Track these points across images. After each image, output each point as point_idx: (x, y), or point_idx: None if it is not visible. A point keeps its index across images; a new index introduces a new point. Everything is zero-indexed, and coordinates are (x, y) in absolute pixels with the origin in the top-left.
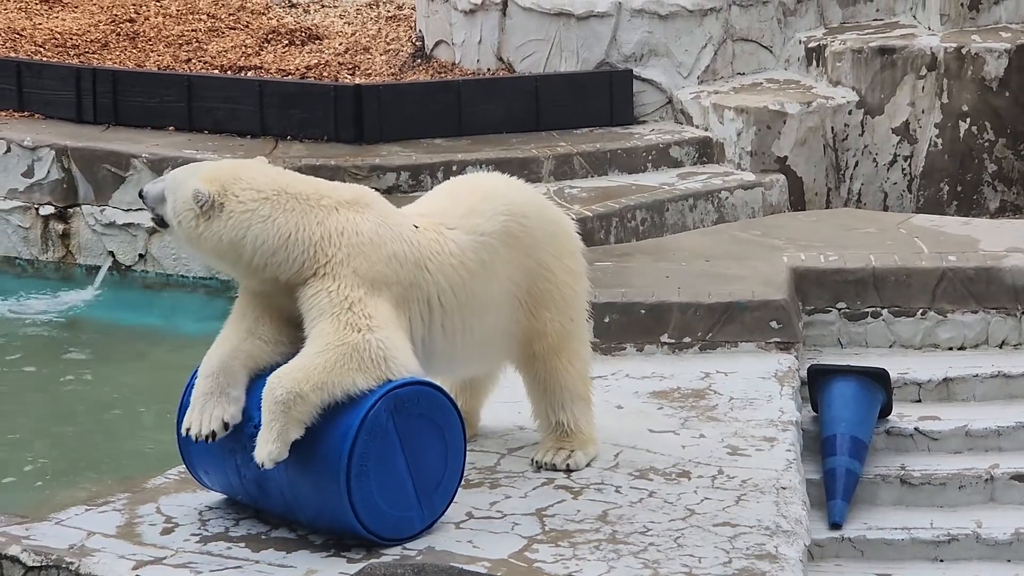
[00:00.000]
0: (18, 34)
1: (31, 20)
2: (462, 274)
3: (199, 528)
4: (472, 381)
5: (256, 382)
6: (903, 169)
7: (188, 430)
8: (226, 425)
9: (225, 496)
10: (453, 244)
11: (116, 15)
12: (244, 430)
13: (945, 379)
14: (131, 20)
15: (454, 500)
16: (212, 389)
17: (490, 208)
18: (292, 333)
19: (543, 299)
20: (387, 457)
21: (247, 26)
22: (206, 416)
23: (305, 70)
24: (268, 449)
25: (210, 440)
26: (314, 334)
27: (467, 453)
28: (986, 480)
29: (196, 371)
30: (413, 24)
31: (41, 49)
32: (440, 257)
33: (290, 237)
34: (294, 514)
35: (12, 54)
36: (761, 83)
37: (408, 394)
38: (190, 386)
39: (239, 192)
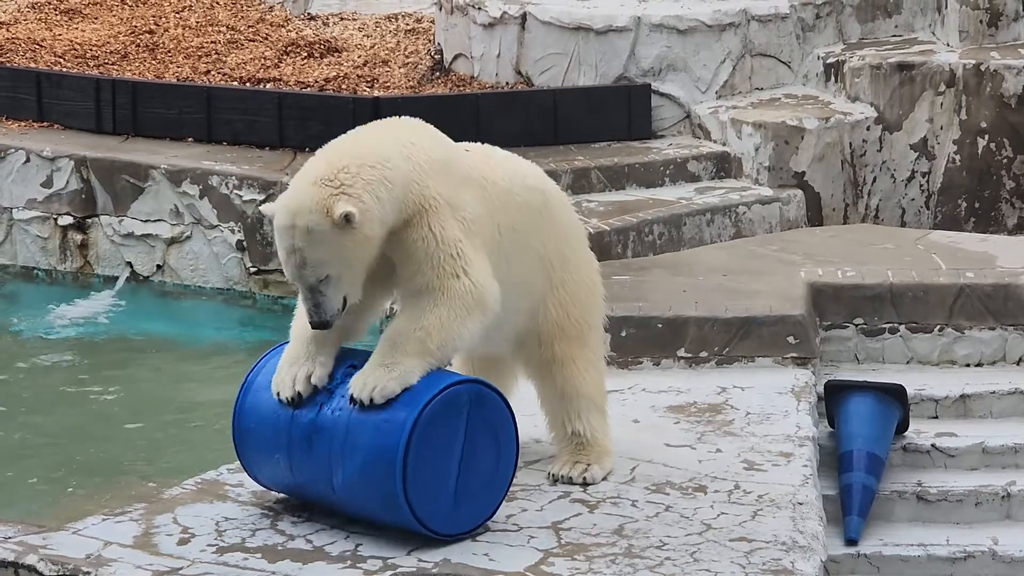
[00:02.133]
0: (38, 45)
1: (51, 31)
2: (509, 200)
3: (216, 539)
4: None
5: (338, 367)
6: (921, 185)
7: (278, 393)
8: (313, 387)
9: (242, 506)
10: (502, 170)
11: (136, 26)
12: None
13: (962, 396)
14: (151, 32)
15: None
16: (300, 353)
17: (523, 172)
18: (376, 292)
19: (565, 288)
20: (444, 444)
21: (266, 38)
22: (291, 378)
23: (324, 82)
24: (383, 383)
25: (295, 403)
26: (419, 284)
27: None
28: (1003, 497)
29: (261, 360)
30: (432, 37)
31: (61, 60)
32: (493, 182)
33: (404, 195)
34: (338, 492)
35: (32, 65)
36: (779, 98)
37: (486, 394)
38: (253, 373)
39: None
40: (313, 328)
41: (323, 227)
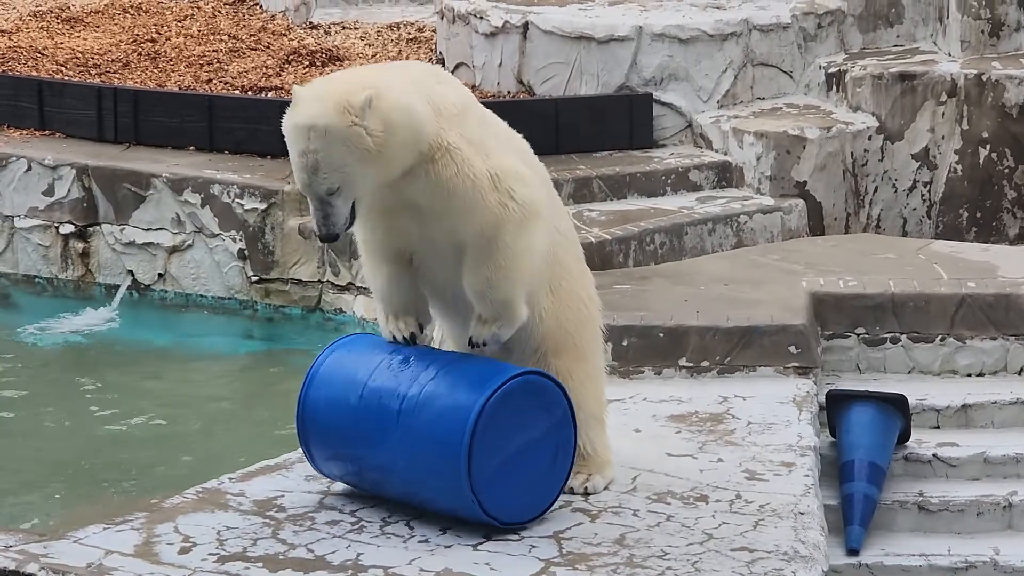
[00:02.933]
0: (40, 53)
1: (53, 39)
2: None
3: (217, 548)
4: None
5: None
6: (922, 195)
7: (393, 337)
8: (421, 327)
9: (243, 515)
10: (504, 126)
11: (138, 35)
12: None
13: (964, 406)
14: (152, 40)
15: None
16: (396, 307)
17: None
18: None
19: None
20: (517, 425)
21: (268, 47)
22: (401, 323)
23: None
24: (488, 334)
25: (412, 342)
26: (476, 225)
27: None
28: (1004, 507)
29: (328, 349)
30: (434, 46)
31: (63, 68)
32: (499, 126)
33: (420, 133)
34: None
35: (34, 73)
36: (781, 108)
37: (560, 400)
38: (319, 361)
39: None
40: (321, 241)
41: (340, 126)
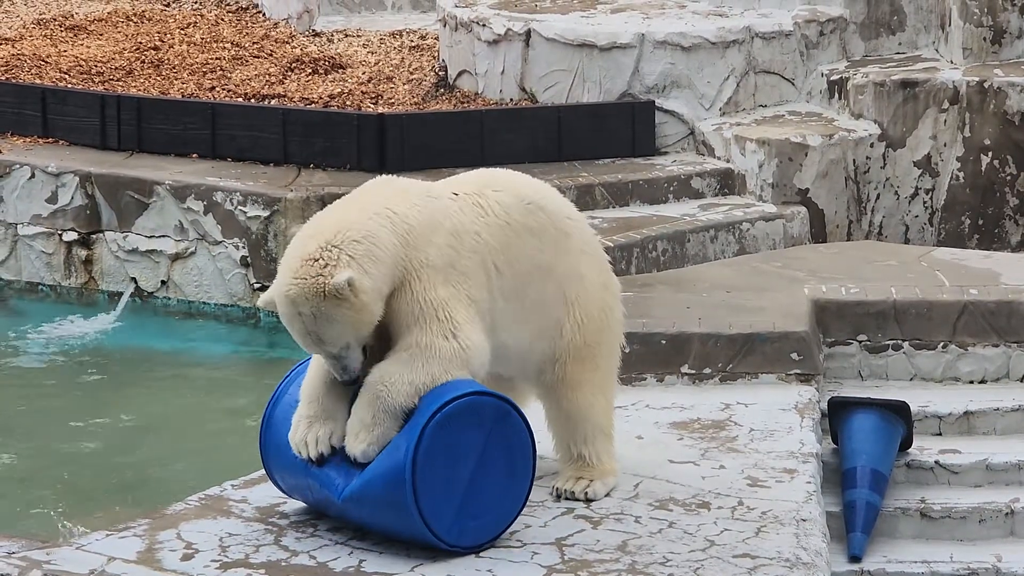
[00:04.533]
0: (43, 61)
1: (56, 47)
2: (508, 234)
3: (219, 555)
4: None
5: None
6: (924, 202)
7: (298, 451)
8: (333, 448)
9: (246, 522)
10: (498, 205)
11: (141, 43)
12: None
13: (966, 412)
14: (156, 48)
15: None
16: (317, 413)
17: (533, 193)
18: (379, 347)
19: (579, 304)
20: (459, 451)
21: (271, 55)
22: (312, 437)
23: (328, 99)
24: (363, 448)
25: (319, 461)
26: (409, 343)
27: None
28: (1006, 514)
29: (286, 379)
30: (436, 54)
31: (66, 76)
32: (487, 218)
33: (392, 267)
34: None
35: (37, 81)
36: (783, 115)
37: (509, 413)
38: (278, 394)
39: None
40: (345, 386)
41: (326, 306)
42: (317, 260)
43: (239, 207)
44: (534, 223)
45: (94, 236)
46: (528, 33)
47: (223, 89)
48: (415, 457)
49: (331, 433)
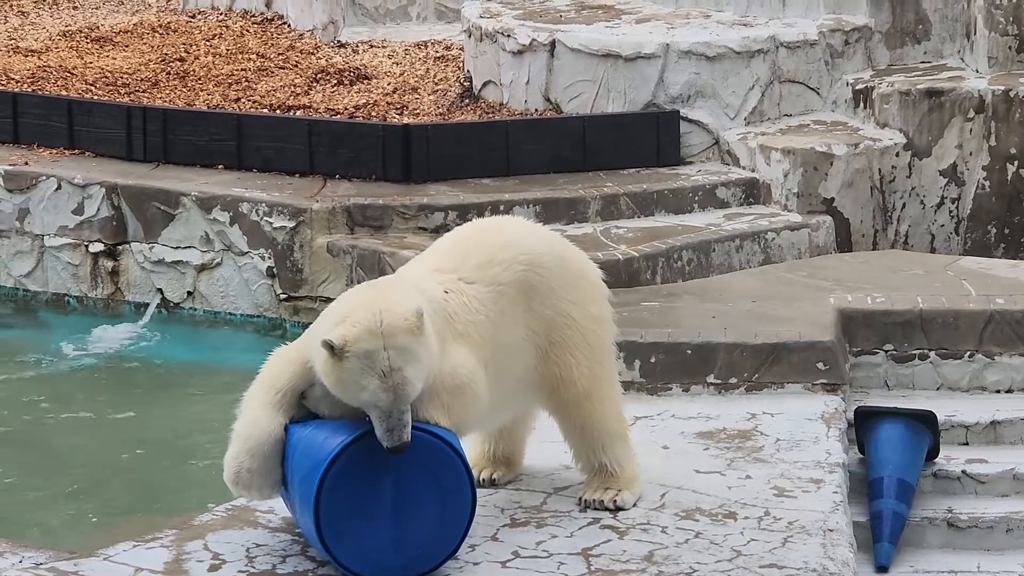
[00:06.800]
0: (70, 73)
1: (82, 59)
2: (487, 326)
3: (246, 565)
4: (507, 425)
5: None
6: (950, 211)
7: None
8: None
9: (272, 533)
10: (475, 300)
11: (166, 54)
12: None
13: (993, 422)
14: (181, 59)
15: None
16: (256, 478)
17: (508, 257)
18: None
19: (567, 346)
20: (370, 486)
21: (296, 66)
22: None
23: (354, 109)
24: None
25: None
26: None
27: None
28: None
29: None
30: (461, 64)
31: (92, 87)
32: (469, 315)
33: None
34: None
35: (63, 92)
36: (808, 124)
37: (428, 443)
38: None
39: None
40: (394, 454)
41: (411, 338)
42: (392, 307)
43: (265, 218)
44: (518, 280)
45: (120, 247)
46: (553, 43)
47: (248, 100)
48: (318, 517)
49: (269, 493)
